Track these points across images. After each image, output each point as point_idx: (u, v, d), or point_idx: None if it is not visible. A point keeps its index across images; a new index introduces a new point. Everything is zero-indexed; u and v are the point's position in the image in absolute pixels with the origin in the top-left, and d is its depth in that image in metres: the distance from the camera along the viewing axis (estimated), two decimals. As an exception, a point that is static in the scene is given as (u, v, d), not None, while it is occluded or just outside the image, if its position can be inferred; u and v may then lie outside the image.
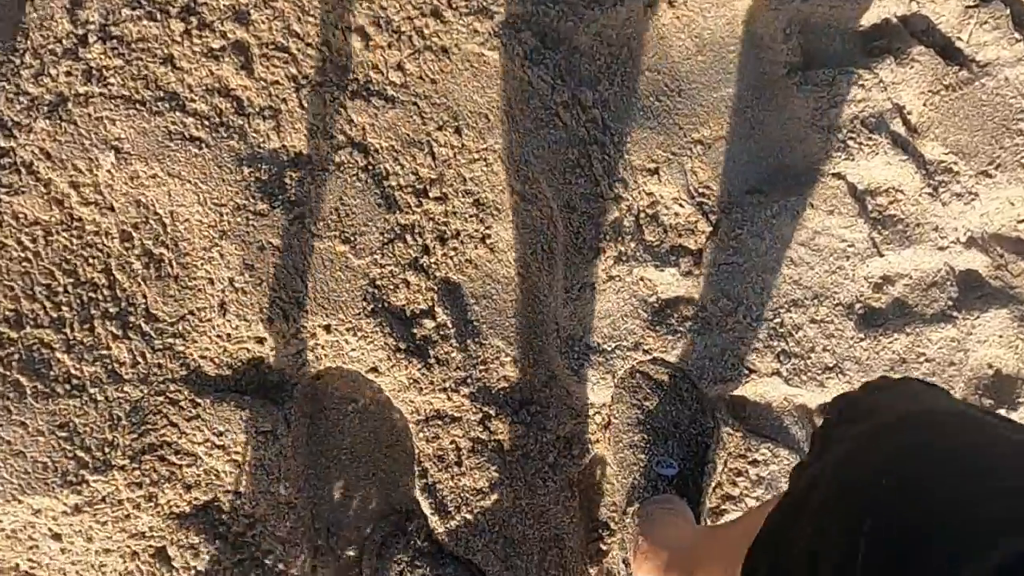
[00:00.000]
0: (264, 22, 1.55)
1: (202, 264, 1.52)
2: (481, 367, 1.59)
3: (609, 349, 1.60)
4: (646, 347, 1.60)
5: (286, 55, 1.56)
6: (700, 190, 1.68)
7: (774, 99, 1.70)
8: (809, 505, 0.70)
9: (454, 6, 1.57)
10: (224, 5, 1.56)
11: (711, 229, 1.65)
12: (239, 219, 1.53)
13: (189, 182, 1.52)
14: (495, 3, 1.57)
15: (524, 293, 1.64)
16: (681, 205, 1.65)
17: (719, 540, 1.21)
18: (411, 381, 1.55)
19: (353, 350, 1.54)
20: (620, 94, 1.65)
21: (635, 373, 1.57)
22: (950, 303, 1.66)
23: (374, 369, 1.55)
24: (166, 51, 1.55)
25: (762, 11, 1.68)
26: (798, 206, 1.65)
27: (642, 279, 1.63)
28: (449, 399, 1.55)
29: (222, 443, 1.48)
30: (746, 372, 1.59)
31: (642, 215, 1.65)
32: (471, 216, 1.61)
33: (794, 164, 1.71)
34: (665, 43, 1.70)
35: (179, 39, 1.55)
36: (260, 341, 1.52)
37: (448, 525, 1.52)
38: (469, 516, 1.52)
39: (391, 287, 1.56)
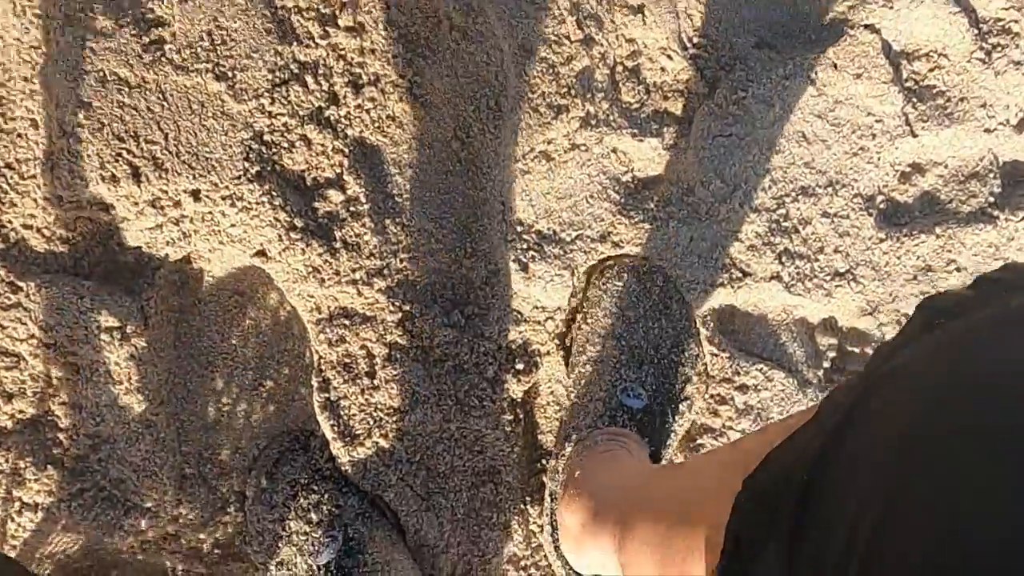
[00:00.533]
0: None
1: (20, 100, 1.11)
2: (403, 255, 1.23)
3: (568, 239, 1.25)
4: (616, 238, 1.26)
5: None
6: (695, 39, 1.30)
7: (797, -75, 1.31)
8: (861, 438, 0.39)
9: None
10: None
11: (706, 90, 1.29)
12: (71, 38, 1.11)
13: (0, -17, 1.10)
14: None
15: (461, 162, 1.27)
16: (669, 57, 1.27)
17: (679, 480, 0.90)
18: (310, 269, 1.19)
19: (232, 225, 1.17)
20: (599, -99, 1.24)
21: (611, 270, 1.24)
22: (991, 200, 1.34)
23: (261, 252, 1.19)
24: None
25: None
26: (817, 66, 1.28)
27: (614, 150, 1.26)
28: (360, 294, 1.20)
29: (53, 340, 1.12)
30: (739, 275, 1.27)
31: (619, 67, 1.28)
32: (395, 56, 1.21)
33: (815, 10, 1.34)
34: None
35: None
36: (104, 208, 1.14)
37: (354, 453, 1.19)
38: (382, 442, 1.20)
39: (284, 145, 1.18)
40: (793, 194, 1.29)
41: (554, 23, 1.20)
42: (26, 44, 1.11)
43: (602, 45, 1.21)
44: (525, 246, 1.23)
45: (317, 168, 1.21)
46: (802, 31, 1.33)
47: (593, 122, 1.22)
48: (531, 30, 1.19)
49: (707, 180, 1.26)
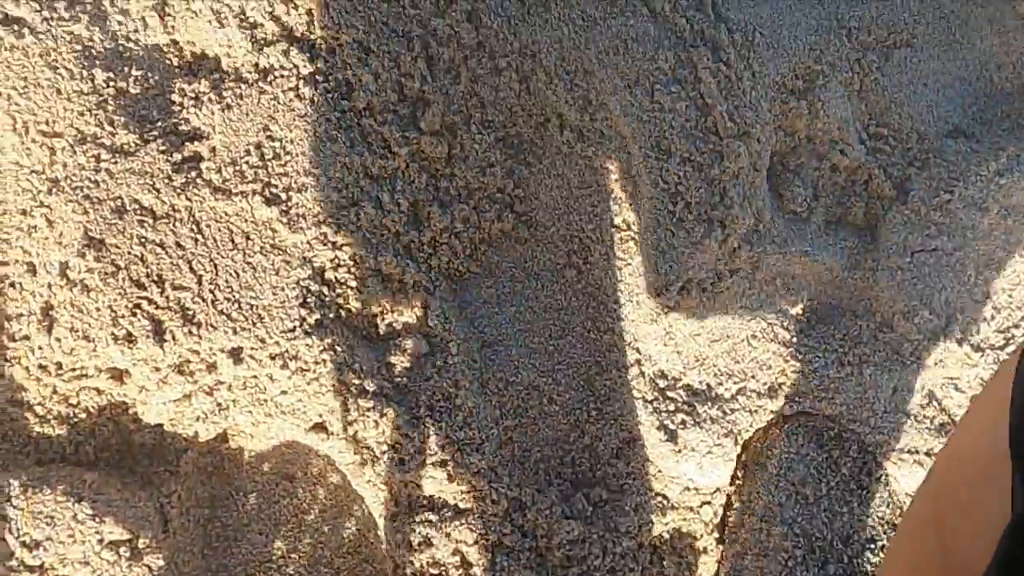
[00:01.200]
0: None
1: (15, 239, 0.86)
2: (507, 422, 0.92)
3: (728, 395, 0.93)
4: (789, 390, 0.94)
5: None
6: (873, 127, 1.02)
7: (985, -14, 1.04)
8: None
9: None
10: None
11: (893, 193, 0.99)
12: (84, 159, 0.86)
13: (-2, 94, 0.86)
14: None
15: (579, 297, 0.97)
16: (842, 151, 0.98)
17: None
18: (385, 447, 0.88)
19: (283, 392, 0.88)
20: (742, -34, 0.99)
21: (783, 435, 0.91)
22: None
23: (320, 426, 0.89)
24: None
25: None
26: (1037, 157, 0.98)
27: (782, 274, 0.96)
28: (451, 478, 0.89)
29: (39, 563, 0.81)
30: (964, 437, 0.92)
31: (780, 166, 0.99)
32: (491, 165, 0.94)
33: (1018, 91, 1.05)
34: None
35: None
36: (116, 376, 0.86)
37: None
38: None
39: (352, 284, 0.90)
40: (1024, 324, 0.96)
41: (697, 114, 0.93)
42: (27, 169, 0.86)
43: (759, 139, 0.93)
44: (671, 407, 0.92)
45: (393, 311, 0.92)
46: (1005, 115, 1.04)
47: (753, 237, 0.93)
48: (668, 125, 0.91)
49: (910, 311, 0.94)
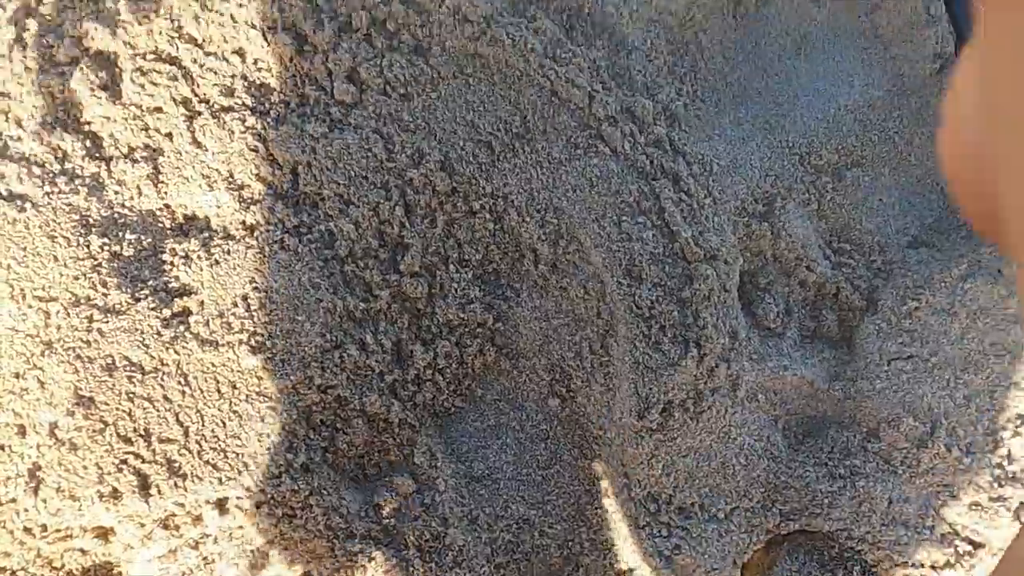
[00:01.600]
0: (139, 22, 1.00)
1: (8, 402, 0.88)
2: (499, 558, 0.90)
3: (722, 514, 0.92)
4: (784, 506, 0.92)
5: (173, 67, 0.99)
6: (836, 243, 1.06)
7: (924, 108, 1.12)
8: None
9: (432, -13, 1.01)
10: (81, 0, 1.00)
11: (863, 304, 1.02)
12: (76, 321, 0.90)
13: (-2, 264, 0.91)
14: (494, -20, 1.02)
15: (564, 425, 0.98)
16: (809, 267, 1.02)
17: None
18: (375, 594, 0.86)
19: (269, 541, 0.86)
20: (693, 104, 1.07)
21: (782, 555, 0.89)
22: None
23: (307, 575, 0.87)
24: (-17, 68, 0.98)
25: (888, -13, 1.13)
26: (996, 263, 1.02)
27: (763, 390, 0.97)
28: (444, 624, 0.86)
29: None
30: (967, 548, 0.90)
31: (750, 284, 1.02)
32: (471, 301, 0.98)
33: (970, 201, 1.10)
34: (750, 38, 1.14)
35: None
36: (102, 534, 0.85)
37: None
38: None
39: (338, 425, 0.91)
40: (1011, 425, 0.96)
41: (664, 240, 0.97)
42: (22, 333, 0.89)
43: (726, 260, 0.97)
44: (664, 531, 0.90)
45: (380, 450, 0.93)
46: (959, 224, 1.09)
47: (730, 354, 0.94)
48: (638, 253, 0.96)
49: (894, 418, 0.94)
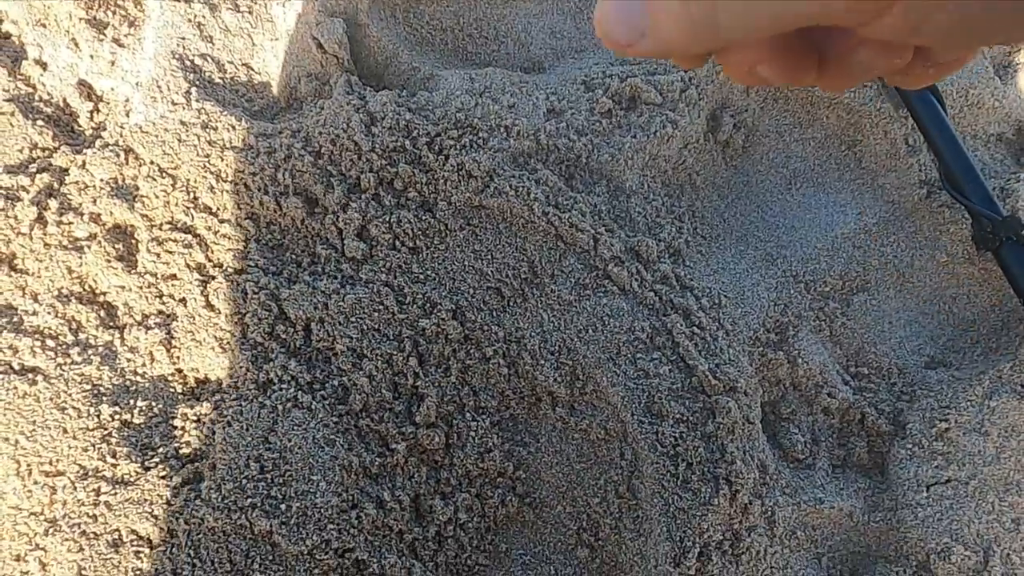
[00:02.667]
0: (157, 196, 1.04)
1: (6, 586, 0.83)
2: None
3: (775, 671, 0.84)
4: (843, 659, 0.85)
5: (188, 235, 1.02)
6: (853, 367, 1.05)
7: (918, 232, 1.15)
8: None
9: (436, 148, 1.07)
10: (102, 180, 1.05)
11: (891, 428, 0.99)
12: (83, 495, 0.86)
13: (5, 439, 0.89)
14: (493, 138, 1.07)
15: (592, 575, 0.92)
16: (830, 394, 1.01)
17: None
18: None
19: None
20: (695, 241, 1.10)
21: None
22: None
23: None
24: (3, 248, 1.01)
25: (867, 125, 1.19)
26: (1019, 377, 1.00)
27: (801, 525, 0.93)
28: None
29: None
30: None
31: (772, 415, 1.00)
32: (489, 450, 0.95)
33: (979, 317, 1.11)
34: (741, 177, 1.19)
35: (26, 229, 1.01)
36: None
37: None
38: None
39: (357, 592, 0.86)
40: (1067, 549, 0.91)
41: (681, 376, 0.96)
42: (25, 512, 0.86)
43: (746, 392, 0.95)
44: None
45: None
46: (975, 341, 1.08)
47: (763, 491, 0.91)
48: (655, 389, 0.94)
49: (943, 549, 0.89)
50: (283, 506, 0.86)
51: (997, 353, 1.06)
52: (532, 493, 0.96)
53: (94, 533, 0.84)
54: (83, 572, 0.82)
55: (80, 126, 1.11)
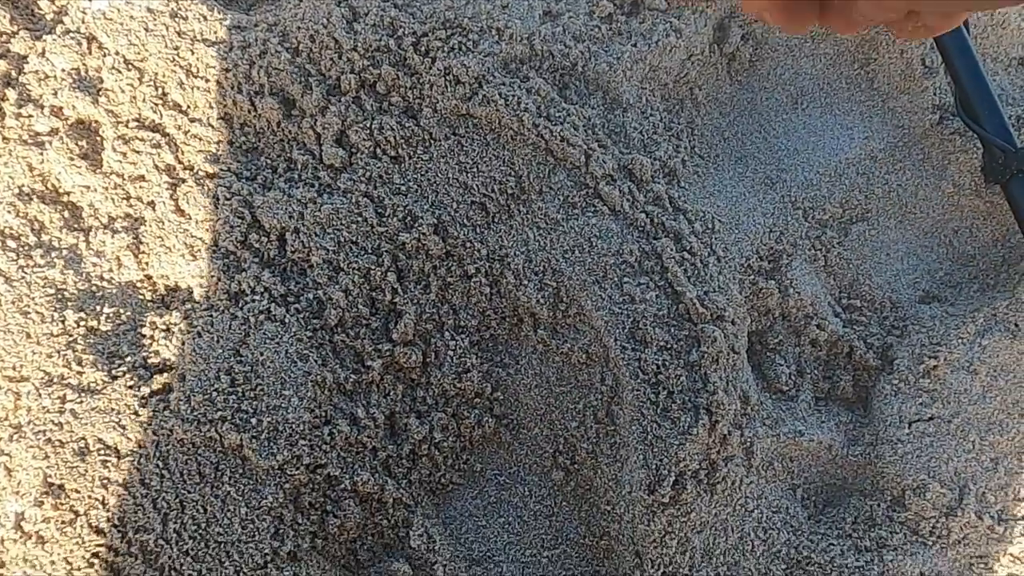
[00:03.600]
0: (123, 90, 0.97)
1: (-28, 490, 0.81)
2: (504, 653, 0.83)
3: (742, 597, 0.85)
4: (809, 587, 0.86)
5: (156, 135, 0.96)
6: (846, 299, 1.02)
7: (926, 160, 1.10)
8: None
9: (422, 49, 0.99)
10: (63, 70, 0.98)
11: (878, 363, 0.97)
12: (48, 402, 0.84)
13: (-34, 342, 0.86)
14: (483, 40, 1.00)
15: (569, 499, 0.92)
16: (819, 326, 0.98)
17: None
18: None
19: (255, 640, 0.80)
20: (693, 161, 1.04)
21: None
22: None
23: (296, 676, 0.80)
24: (-41, 139, 0.95)
25: (883, 42, 1.12)
26: (1014, 316, 0.98)
27: (779, 457, 0.92)
28: None
29: None
30: (1008, 624, 0.84)
31: (759, 345, 0.98)
32: (467, 370, 0.93)
33: (979, 252, 1.07)
34: (745, 94, 1.12)
35: (-17, 120, 0.95)
36: (70, 637, 0.78)
37: None
38: None
39: (328, 507, 0.85)
40: (1043, 489, 0.91)
41: (668, 303, 0.93)
42: (-11, 415, 0.84)
43: (733, 321, 0.93)
44: (681, 616, 0.83)
45: (373, 533, 0.86)
46: (973, 277, 1.05)
47: (743, 422, 0.89)
48: (640, 315, 0.91)
49: (920, 485, 0.89)
50: (254, 420, 0.85)
51: (994, 290, 1.03)
52: (509, 415, 0.95)
53: (60, 441, 0.82)
54: (49, 479, 0.81)
55: (40, 9, 1.03)
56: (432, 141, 0.98)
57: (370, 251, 0.94)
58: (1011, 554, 0.87)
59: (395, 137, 0.97)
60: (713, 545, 0.87)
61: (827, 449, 0.93)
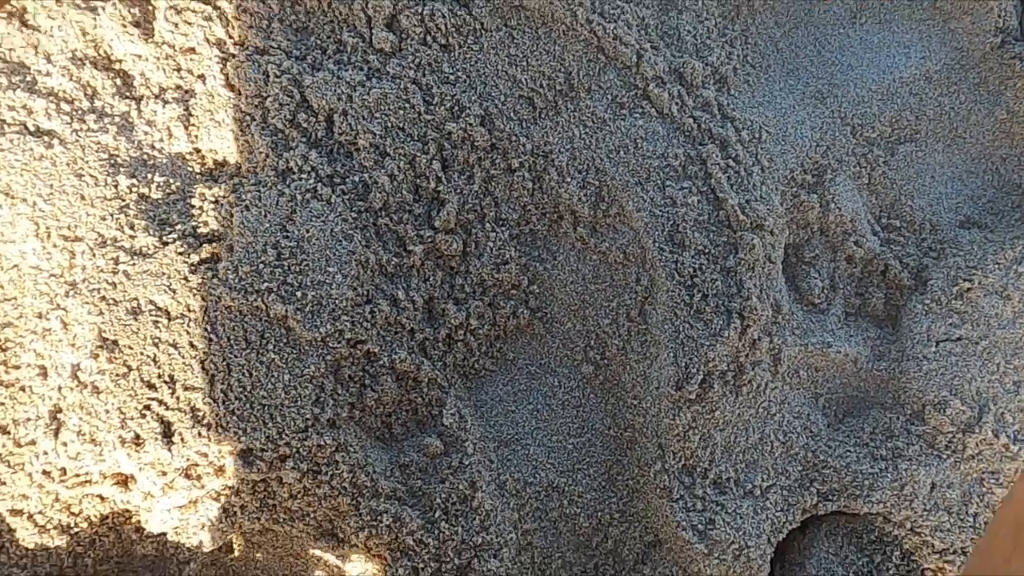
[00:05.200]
0: (176, -42, 0.96)
1: (29, 343, 0.85)
2: (527, 525, 0.88)
3: (759, 490, 0.89)
4: (823, 486, 0.89)
5: (208, 7, 0.96)
6: (885, 219, 1.02)
7: (982, 84, 1.07)
8: None
9: (478, -65, 0.97)
10: (115, -66, 0.97)
11: (912, 282, 0.98)
12: (102, 262, 0.87)
13: (23, 200, 0.88)
14: (543, -70, 0.98)
15: (598, 392, 0.95)
16: (857, 243, 0.99)
17: None
18: (399, 553, 0.84)
19: (292, 496, 0.84)
20: (744, 69, 1.03)
21: (819, 534, 0.86)
22: None
23: (330, 533, 0.85)
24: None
25: (950, -44, 1.08)
26: (1053, 244, 0.98)
27: (805, 366, 0.94)
28: (468, 589, 0.84)
29: None
30: (1012, 536, 0.87)
31: (795, 258, 0.99)
32: (506, 262, 0.95)
33: (1026, 182, 1.06)
34: (802, 3, 1.09)
35: (36, -19, 0.95)
36: (122, 481, 0.83)
37: None
38: None
39: (367, 381, 0.89)
40: (1061, 414, 0.93)
41: (709, 208, 0.94)
42: (46, 272, 0.87)
43: (772, 231, 0.93)
44: (699, 504, 0.87)
45: (408, 409, 0.90)
46: (1016, 205, 1.05)
47: (773, 330, 0.91)
48: (681, 218, 0.92)
49: (940, 401, 0.91)
50: (299, 293, 0.87)
51: (1036, 219, 1.02)
52: (544, 308, 0.97)
53: (113, 299, 0.86)
54: (104, 334, 0.84)
55: None
56: (483, 31, 0.97)
57: (416, 138, 0.95)
58: (1022, 471, 0.90)
59: (446, 25, 0.96)
60: (734, 443, 0.90)
61: (852, 362, 0.95)
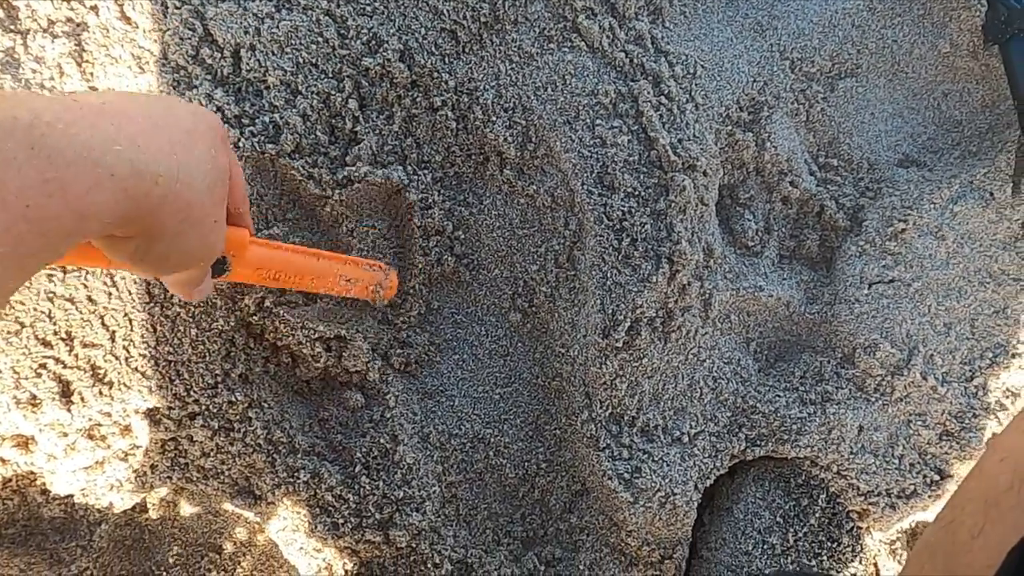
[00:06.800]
0: None
1: (-87, 297, 0.79)
2: (450, 477, 0.86)
3: (686, 438, 0.88)
4: (751, 432, 0.89)
5: (98, -71, 0.87)
6: (823, 158, 0.99)
7: (927, 15, 1.03)
8: None
9: None
10: None
11: (848, 223, 0.96)
12: None
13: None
14: None
15: (525, 340, 0.93)
16: (793, 183, 0.96)
17: None
18: (317, 511, 0.82)
19: (204, 454, 0.81)
20: (678, 1, 0.98)
21: (747, 479, 0.86)
22: None
23: (246, 491, 0.82)
24: None
25: None
26: (992, 184, 0.96)
27: (736, 310, 0.92)
28: (390, 541, 0.82)
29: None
30: (935, 478, 0.88)
31: (729, 199, 0.96)
32: (429, 206, 0.90)
33: (966, 118, 1.03)
34: (745, -71, 1.03)
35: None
36: (22, 443, 0.79)
37: None
38: None
39: (281, 330, 0.85)
40: (989, 355, 0.92)
41: (640, 148, 0.90)
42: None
43: (705, 172, 0.90)
44: (625, 453, 0.86)
45: (326, 361, 0.87)
46: (956, 143, 1.02)
47: (704, 271, 0.88)
48: (611, 159, 0.88)
49: (871, 345, 0.90)
50: (204, 243, 0.82)
51: (975, 158, 1.00)
52: (470, 254, 0.93)
53: (2, 252, 0.80)
54: (-8, 290, 0.79)
55: None
56: (401, -43, 0.90)
57: (331, 75, 0.89)
58: (948, 412, 0.90)
59: (361, -50, 0.89)
60: (662, 390, 0.88)
61: (785, 306, 0.93)
